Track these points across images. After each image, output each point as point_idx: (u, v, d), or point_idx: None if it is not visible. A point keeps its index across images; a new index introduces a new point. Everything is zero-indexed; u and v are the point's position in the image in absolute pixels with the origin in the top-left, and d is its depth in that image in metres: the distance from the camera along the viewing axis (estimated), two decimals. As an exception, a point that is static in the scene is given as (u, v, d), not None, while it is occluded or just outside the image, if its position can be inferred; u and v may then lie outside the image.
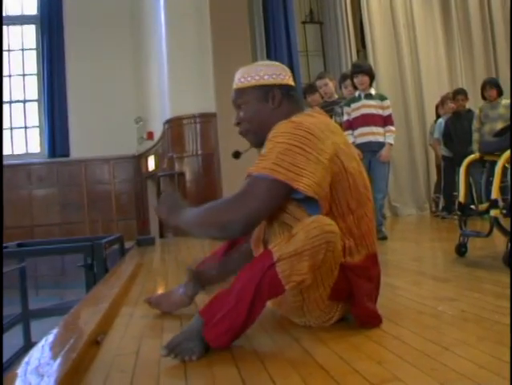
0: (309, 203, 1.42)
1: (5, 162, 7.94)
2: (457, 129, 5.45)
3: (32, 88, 9.04)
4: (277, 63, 1.66)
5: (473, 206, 2.87)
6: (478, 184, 3.43)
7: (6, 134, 8.75)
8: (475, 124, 5.14)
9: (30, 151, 9.01)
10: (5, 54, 8.88)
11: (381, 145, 4.07)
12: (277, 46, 7.60)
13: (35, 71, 9.03)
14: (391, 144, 4.11)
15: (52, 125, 8.76)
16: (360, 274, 1.47)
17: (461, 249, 2.76)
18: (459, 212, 2.84)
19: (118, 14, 8.92)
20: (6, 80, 8.84)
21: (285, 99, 1.58)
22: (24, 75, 9.08)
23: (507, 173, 2.62)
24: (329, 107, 4.39)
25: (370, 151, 4.04)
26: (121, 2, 8.98)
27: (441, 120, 5.84)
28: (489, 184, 2.58)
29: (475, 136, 5.11)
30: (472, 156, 2.93)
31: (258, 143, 1.59)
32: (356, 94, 4.18)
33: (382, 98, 4.18)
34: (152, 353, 1.40)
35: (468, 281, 2.19)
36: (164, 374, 1.26)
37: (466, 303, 1.72)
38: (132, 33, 8.95)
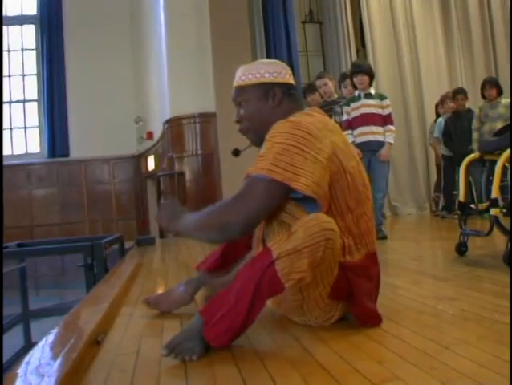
0: (308, 202, 1.42)
1: (5, 162, 7.94)
2: (456, 128, 5.46)
3: (32, 88, 9.03)
4: (278, 62, 1.65)
5: (473, 205, 2.87)
6: (478, 184, 3.44)
7: (5, 134, 8.75)
8: (475, 124, 5.14)
9: (29, 151, 9.01)
10: (4, 54, 8.87)
11: (381, 144, 4.07)
12: (276, 46, 7.60)
13: (35, 71, 9.03)
14: (390, 144, 4.11)
15: (52, 125, 8.76)
16: (360, 273, 1.46)
17: (461, 248, 2.76)
18: (459, 212, 2.85)
19: (118, 14, 8.92)
20: (5, 80, 8.84)
21: (285, 98, 1.58)
22: (24, 75, 9.07)
23: (507, 172, 2.62)
24: (329, 107, 4.40)
25: (370, 150, 4.04)
26: (121, 2, 8.97)
27: (441, 120, 5.84)
28: (489, 183, 2.58)
29: (475, 136, 5.11)
30: (472, 156, 2.93)
31: (258, 141, 1.58)
32: (356, 93, 4.18)
33: (382, 97, 4.18)
34: (153, 352, 1.40)
35: (468, 281, 2.19)
36: (164, 373, 1.26)
37: (466, 302, 1.72)
38: (132, 33, 8.95)
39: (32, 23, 9.08)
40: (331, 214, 1.43)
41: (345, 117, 4.20)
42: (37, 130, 9.05)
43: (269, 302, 1.48)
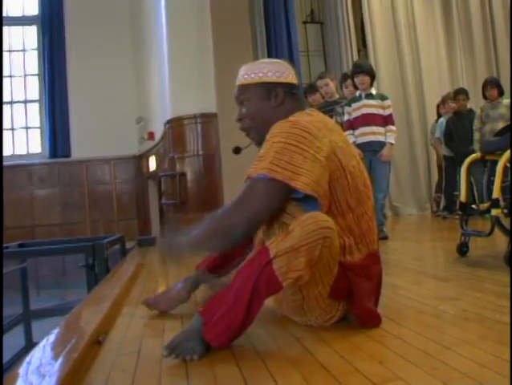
0: (309, 202, 1.41)
1: (6, 162, 7.94)
2: (458, 129, 5.45)
3: (33, 89, 9.03)
4: (280, 61, 1.65)
5: (474, 206, 2.87)
6: (479, 184, 3.44)
7: (7, 134, 8.75)
8: (476, 124, 5.14)
9: (31, 151, 9.01)
10: (6, 54, 8.88)
11: (382, 145, 4.07)
12: (278, 46, 7.59)
13: (36, 72, 9.03)
14: (392, 144, 4.11)
15: (53, 125, 8.76)
16: (360, 273, 1.46)
17: (463, 249, 2.76)
18: (460, 212, 2.85)
19: (119, 14, 8.92)
20: (7, 81, 8.84)
21: (287, 98, 1.58)
22: (25, 76, 9.08)
23: (508, 173, 2.62)
24: (330, 107, 4.40)
25: (371, 150, 4.05)
26: (122, 2, 8.97)
27: (442, 120, 5.84)
28: (491, 183, 2.58)
29: (476, 136, 5.10)
30: (473, 156, 2.93)
31: (259, 140, 1.58)
32: (357, 94, 4.18)
33: (383, 97, 4.18)
34: (154, 352, 1.40)
35: (469, 281, 2.18)
36: (165, 373, 1.26)
37: (467, 302, 1.72)
38: (133, 33, 8.95)
39: (33, 24, 9.08)
40: (331, 213, 1.43)
41: (346, 117, 4.20)
42: (38, 130, 9.05)
43: (271, 302, 1.48)
